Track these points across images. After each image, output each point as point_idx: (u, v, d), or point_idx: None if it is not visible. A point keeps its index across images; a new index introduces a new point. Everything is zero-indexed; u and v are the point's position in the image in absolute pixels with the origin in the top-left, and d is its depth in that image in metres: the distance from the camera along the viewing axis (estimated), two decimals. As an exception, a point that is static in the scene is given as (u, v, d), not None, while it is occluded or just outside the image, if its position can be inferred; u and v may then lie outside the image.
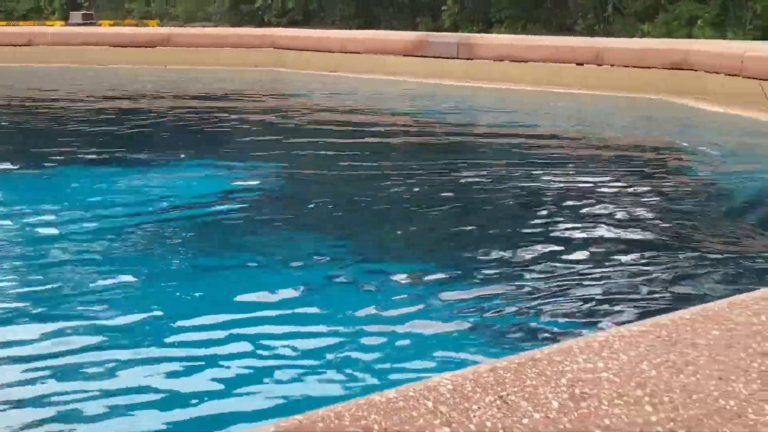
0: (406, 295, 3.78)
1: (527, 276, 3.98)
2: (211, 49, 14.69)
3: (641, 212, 5.25)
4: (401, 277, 4.00)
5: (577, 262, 4.18)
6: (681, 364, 1.79)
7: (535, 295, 3.71)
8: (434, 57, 12.85)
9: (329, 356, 3.08)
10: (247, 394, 2.79)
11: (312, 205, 5.66)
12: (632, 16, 21.19)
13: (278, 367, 3.02)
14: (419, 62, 12.92)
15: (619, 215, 5.14)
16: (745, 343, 1.89)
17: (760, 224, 5.14)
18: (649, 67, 10.92)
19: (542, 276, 3.97)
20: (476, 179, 6.29)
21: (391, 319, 3.46)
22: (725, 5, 19.48)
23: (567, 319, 3.40)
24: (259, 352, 3.16)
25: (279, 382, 2.88)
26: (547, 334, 3.22)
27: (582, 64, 11.54)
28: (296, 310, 3.61)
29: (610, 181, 6.21)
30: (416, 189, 6.01)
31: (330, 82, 12.92)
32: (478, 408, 1.56)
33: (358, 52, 13.71)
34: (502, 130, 9.01)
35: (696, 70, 10.48)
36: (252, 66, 14.33)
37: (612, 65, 11.30)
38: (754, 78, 9.49)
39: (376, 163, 6.93)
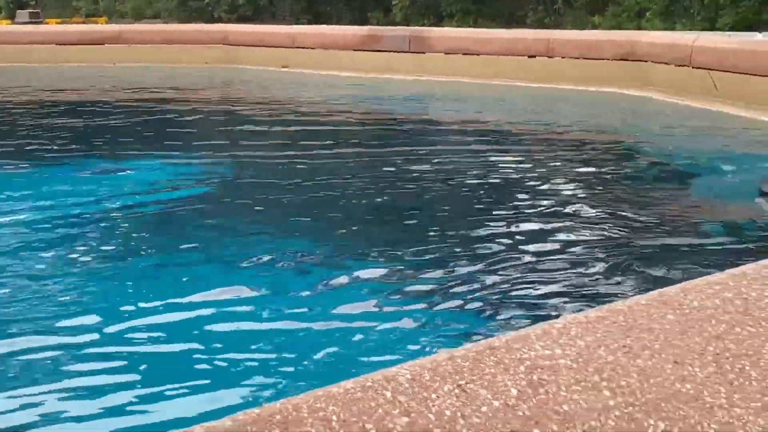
0: (361, 287, 3.77)
1: (484, 265, 3.98)
2: (161, 46, 14.57)
3: (593, 201, 5.29)
4: (355, 269, 3.99)
5: (533, 250, 4.19)
6: (638, 349, 1.80)
7: (492, 284, 3.72)
8: (386, 51, 12.85)
9: (286, 349, 3.05)
10: (203, 389, 2.76)
11: (264, 199, 5.62)
12: (582, 9, 21.36)
13: (233, 362, 2.99)
14: (371, 56, 12.91)
15: (571, 204, 5.17)
16: (700, 327, 1.91)
17: (709, 210, 5.20)
18: (599, 59, 11.01)
19: (498, 265, 3.97)
20: (429, 172, 6.30)
21: (346, 310, 3.45)
22: (673, -4, 19.70)
23: (524, 307, 3.40)
24: (211, 346, 3.12)
25: (234, 376, 2.86)
26: (504, 322, 3.23)
27: (533, 57, 11.60)
28: (248, 305, 3.57)
29: (561, 171, 6.25)
30: (368, 182, 6.00)
31: (281, 78, 12.86)
32: (437, 397, 1.55)
33: (310, 48, 13.67)
34: (454, 122, 9.03)
35: (645, 61, 10.58)
36: (202, 62, 14.23)
37: (562, 57, 11.38)
38: (702, 68, 9.61)
39: (328, 157, 6.91)
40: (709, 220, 4.98)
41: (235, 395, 2.70)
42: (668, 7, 19.91)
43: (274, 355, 3.01)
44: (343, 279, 3.87)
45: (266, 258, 4.20)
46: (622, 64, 10.83)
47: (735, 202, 5.57)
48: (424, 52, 12.53)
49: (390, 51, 12.84)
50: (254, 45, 14.25)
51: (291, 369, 2.88)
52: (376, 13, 24.85)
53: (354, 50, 13.23)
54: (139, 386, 2.83)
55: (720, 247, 4.44)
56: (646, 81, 10.51)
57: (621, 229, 4.63)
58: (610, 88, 10.58)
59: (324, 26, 16.25)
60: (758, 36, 11.43)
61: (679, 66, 9.97)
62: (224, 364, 2.98)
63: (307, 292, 3.72)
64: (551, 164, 6.57)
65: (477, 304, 3.47)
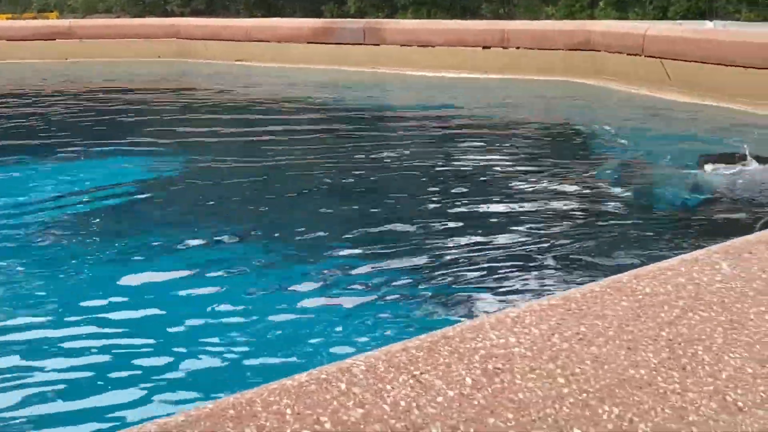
0: (314, 279, 3.76)
1: (437, 255, 3.98)
2: (114, 41, 14.40)
3: (546, 189, 5.31)
4: (310, 260, 3.99)
5: (487, 239, 4.20)
6: (591, 336, 1.81)
7: (446, 274, 3.72)
8: (340, 43, 12.81)
9: (240, 344, 3.03)
10: (155, 385, 2.74)
11: (218, 192, 5.60)
12: (536, -1, 21.47)
13: (186, 357, 2.96)
14: (325, 49, 12.86)
15: (524, 192, 5.20)
16: (653, 312, 1.92)
17: (659, 198, 5.23)
18: (553, 49, 11.06)
19: (452, 254, 3.98)
20: (384, 162, 6.30)
21: (300, 302, 3.44)
22: (625, -14, 19.85)
23: (479, 296, 3.41)
24: (165, 341, 3.10)
25: (188, 371, 2.83)
26: (459, 312, 3.23)
27: (488, 47, 11.62)
28: (202, 299, 3.55)
29: (515, 160, 6.28)
30: (324, 173, 6.00)
31: (236, 71, 12.78)
32: (392, 388, 1.55)
33: (264, 41, 13.59)
34: (409, 113, 9.03)
35: (599, 51, 10.64)
36: (156, 56, 14.09)
37: (517, 48, 11.41)
38: (655, 57, 9.69)
39: (281, 150, 6.88)
40: (657, 207, 5.01)
41: (188, 390, 2.67)
42: (621, -4, 20.07)
43: (228, 350, 2.99)
44: (298, 271, 3.86)
45: (221, 250, 4.19)
46: (576, 54, 10.88)
47: (679, 184, 5.64)
48: (378, 44, 12.51)
49: (345, 43, 12.80)
50: (208, 38, 14.13)
51: (246, 363, 2.86)
52: (330, 5, 24.77)
53: (309, 43, 13.17)
54: (91, 382, 2.80)
55: (668, 231, 4.49)
56: (600, 70, 10.57)
57: (573, 217, 4.66)
58: (564, 77, 10.63)
59: (278, 19, 16.15)
60: (709, 24, 11.55)
61: (631, 55, 10.04)
62: (178, 358, 2.95)
63: (261, 285, 3.70)
64: (504, 153, 6.59)
65: (431, 294, 3.47)
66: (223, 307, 3.45)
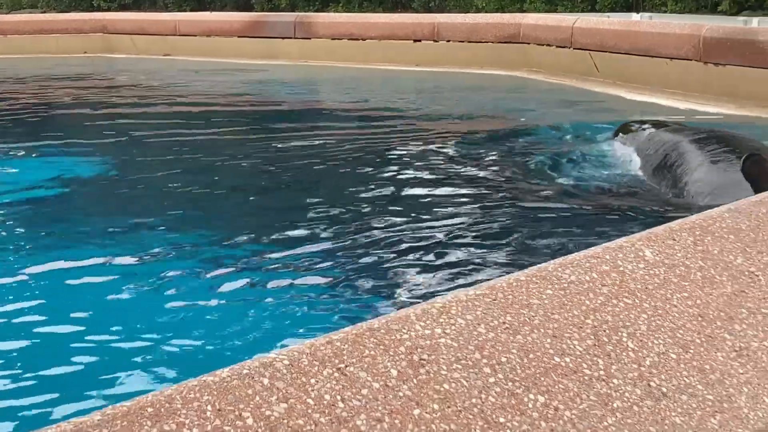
0: (237, 271, 3.74)
1: (364, 247, 3.98)
2: (39, 36, 14.12)
3: (474, 180, 5.33)
4: (235, 255, 3.96)
5: (412, 230, 4.20)
6: (517, 325, 1.81)
7: (371, 266, 3.71)
8: (271, 37, 12.73)
9: (159, 339, 2.99)
10: (73, 384, 2.68)
11: (144, 188, 5.54)
12: (466, -8, 21.57)
13: (107, 355, 2.91)
14: (256, 43, 12.78)
15: (453, 184, 5.21)
16: (578, 300, 1.93)
17: (585, 186, 5.28)
18: (483, 42, 11.11)
19: (378, 246, 3.97)
20: (313, 155, 6.28)
21: (225, 297, 3.40)
22: (554, -21, 20.05)
23: (406, 287, 3.41)
24: (87, 340, 3.04)
25: (108, 369, 2.78)
26: (386, 303, 3.22)
27: (419, 41, 11.63)
28: (126, 294, 3.50)
29: (441, 151, 6.30)
30: (249, 167, 5.96)
31: (163, 66, 12.62)
32: (316, 382, 1.53)
33: (193, 35, 13.45)
34: (338, 106, 9.03)
35: (528, 43, 10.72)
36: (81, 52, 13.86)
37: (448, 41, 11.44)
38: (583, 49, 9.79)
39: (208, 144, 6.83)
40: (583, 196, 5.06)
41: (105, 388, 2.63)
42: (549, -11, 20.26)
43: (147, 346, 2.94)
44: (221, 264, 3.83)
45: (146, 246, 4.14)
46: (506, 46, 10.95)
47: (602, 171, 5.73)
48: (309, 38, 12.45)
49: (275, 37, 12.72)
50: (135, 33, 13.94)
51: (165, 359, 2.82)
52: (260, -1, 24.65)
53: (239, 37, 13.07)
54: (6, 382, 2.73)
55: (591, 214, 4.56)
56: (530, 63, 10.65)
57: (500, 207, 4.67)
58: (495, 70, 10.69)
59: (208, 13, 15.99)
60: (635, 16, 11.72)
61: (560, 47, 10.13)
62: (98, 357, 2.90)
63: (183, 280, 3.65)
64: (431, 143, 6.61)
65: (357, 286, 3.46)
66: (141, 303, 3.40)
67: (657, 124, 6.18)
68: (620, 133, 6.30)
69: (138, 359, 2.83)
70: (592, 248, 2.10)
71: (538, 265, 2.03)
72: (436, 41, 11.49)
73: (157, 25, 13.98)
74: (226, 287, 3.53)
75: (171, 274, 3.74)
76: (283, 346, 1.65)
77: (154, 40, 13.68)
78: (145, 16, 15.27)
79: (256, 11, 21.30)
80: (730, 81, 7.94)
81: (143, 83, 11.17)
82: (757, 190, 4.14)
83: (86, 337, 3.07)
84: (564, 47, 10.06)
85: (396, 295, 3.34)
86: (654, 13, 14.02)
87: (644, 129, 6.10)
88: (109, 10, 24.72)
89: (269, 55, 12.50)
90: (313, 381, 1.53)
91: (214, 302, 3.35)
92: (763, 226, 2.38)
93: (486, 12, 19.03)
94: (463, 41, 11.29)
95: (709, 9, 17.39)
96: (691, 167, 5.03)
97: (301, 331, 2.99)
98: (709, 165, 4.95)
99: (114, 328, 3.16)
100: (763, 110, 7.43)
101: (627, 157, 5.77)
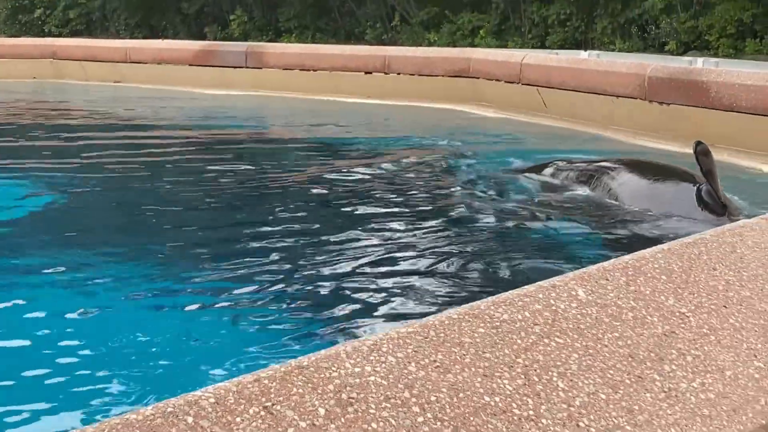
0: (167, 302, 3.71)
1: (297, 282, 3.95)
2: (-14, 61, 13.97)
3: (413, 215, 5.33)
4: (166, 284, 3.94)
5: (351, 265, 4.18)
6: (448, 364, 1.81)
7: (308, 301, 3.69)
8: (222, 66, 12.71)
9: (83, 375, 2.93)
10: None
11: (88, 217, 5.49)
12: (419, 26, 21.74)
13: (28, 385, 2.85)
14: (206, 72, 12.74)
15: (391, 218, 5.21)
16: (509, 339, 1.93)
17: (525, 225, 5.30)
18: (433, 75, 11.18)
19: (312, 282, 3.94)
20: (259, 185, 6.27)
21: (149, 328, 3.37)
22: (506, 15, 20.28)
23: (338, 323, 3.38)
24: (15, 372, 2.98)
25: (37, 402, 2.72)
26: (318, 340, 3.19)
27: (369, 73, 11.68)
28: (62, 324, 3.45)
29: (386, 186, 6.30)
30: (195, 198, 5.92)
31: (113, 93, 12.54)
32: (242, 421, 1.52)
33: (144, 62, 13.38)
34: (287, 136, 9.02)
35: (478, 78, 10.81)
36: (30, 77, 13.72)
37: (399, 73, 11.50)
38: (531, 85, 9.90)
39: (154, 171, 6.77)
40: (521, 234, 5.08)
41: (27, 424, 2.57)
42: (500, 25, 20.51)
43: (69, 380, 2.88)
44: (158, 295, 3.80)
45: (84, 275, 4.09)
46: (456, 80, 11.03)
47: (542, 201, 5.82)
48: (261, 68, 12.45)
49: (227, 66, 12.70)
50: (85, 59, 13.83)
51: (88, 395, 2.76)
52: (213, 27, 24.61)
53: (190, 65, 13.03)
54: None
55: (520, 249, 4.61)
56: (480, 97, 10.73)
57: (438, 243, 4.66)
58: (444, 104, 10.74)
59: (159, 41, 15.96)
60: (583, 54, 11.89)
61: (509, 83, 10.23)
62: (20, 387, 2.84)
63: (112, 315, 3.61)
64: (375, 176, 6.63)
65: (293, 322, 3.43)
66: (76, 334, 3.35)
67: (570, 161, 6.56)
68: (544, 168, 6.57)
69: (57, 394, 2.78)
70: (525, 287, 2.12)
71: (471, 303, 2.03)
72: (387, 74, 11.54)
73: (107, 51, 13.90)
74: (151, 319, 3.49)
75: (107, 303, 3.70)
76: (219, 379, 1.64)
77: (105, 67, 13.59)
78: (95, 43, 15.17)
79: (209, 40, 21.33)
80: (673, 120, 8.07)
81: (91, 109, 11.08)
82: (708, 173, 4.76)
83: (12, 370, 3.01)
84: (513, 83, 10.15)
85: (331, 331, 3.31)
86: (602, 52, 14.25)
87: (564, 163, 6.49)
88: (60, 35, 24.60)
89: (221, 84, 12.48)
90: (238, 420, 1.52)
91: (140, 334, 3.30)
92: (694, 267, 2.41)
93: (438, 46, 19.24)
94: (413, 74, 11.35)
95: (657, 48, 17.75)
96: (617, 180, 5.71)
97: (235, 364, 2.95)
98: (631, 176, 5.72)
99: (46, 360, 3.10)
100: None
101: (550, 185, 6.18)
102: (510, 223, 5.24)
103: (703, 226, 4.37)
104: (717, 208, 4.79)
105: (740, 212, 4.91)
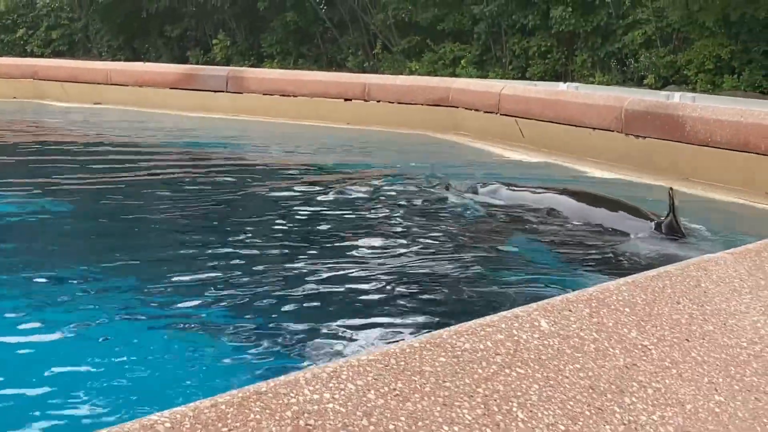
0: (125, 322, 3.71)
1: (258, 308, 3.94)
2: (-35, 80, 13.95)
3: (382, 241, 5.32)
4: (132, 307, 3.93)
5: (312, 292, 4.17)
6: (408, 392, 1.81)
7: (264, 326, 3.67)
8: (203, 90, 12.73)
9: (35, 395, 2.91)
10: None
11: (66, 237, 5.47)
12: (400, 54, 21.85)
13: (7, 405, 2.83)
14: (187, 95, 12.76)
15: (360, 245, 5.20)
16: (470, 369, 1.94)
17: (495, 255, 5.31)
18: (413, 104, 11.23)
19: (273, 307, 3.93)
20: (237, 208, 6.27)
21: (105, 348, 3.36)
22: (487, 46, 20.41)
23: (299, 350, 3.37)
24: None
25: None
26: (277, 366, 3.18)
27: (350, 100, 11.72)
28: (30, 343, 3.43)
29: (358, 213, 6.32)
30: (170, 217, 5.91)
31: (93, 115, 12.52)
32: (197, 446, 1.51)
33: (125, 85, 13.39)
34: (265, 161, 9.02)
35: (457, 107, 10.86)
36: (10, 97, 13.70)
37: (378, 101, 11.55)
38: (509, 115, 9.95)
39: (130, 193, 6.77)
40: (490, 264, 5.07)
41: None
42: (482, 56, 20.63)
43: (22, 401, 2.86)
44: (116, 316, 3.79)
45: (53, 292, 4.08)
46: (435, 109, 11.08)
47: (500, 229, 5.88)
48: (241, 92, 12.48)
49: (207, 90, 12.73)
50: (66, 80, 13.83)
51: (39, 415, 2.74)
52: (195, 51, 24.65)
53: (171, 88, 13.04)
54: None
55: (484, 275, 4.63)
56: (458, 126, 10.78)
57: (403, 270, 4.65)
58: (423, 132, 10.79)
59: (140, 63, 15.96)
60: (562, 86, 11.97)
61: (487, 113, 10.28)
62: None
63: (72, 332, 3.59)
64: (349, 201, 6.64)
65: (254, 347, 3.41)
66: (35, 350, 3.34)
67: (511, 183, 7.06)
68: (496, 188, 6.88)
69: (8, 415, 2.75)
70: (488, 316, 2.12)
71: (433, 332, 2.04)
72: (367, 101, 11.59)
73: (88, 73, 13.90)
74: (119, 338, 3.48)
75: (74, 321, 3.68)
76: (176, 403, 1.62)
77: (85, 88, 13.59)
78: (76, 64, 15.17)
79: (191, 64, 21.35)
80: (649, 153, 8.12)
81: (70, 130, 11.06)
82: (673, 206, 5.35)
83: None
84: (491, 113, 10.21)
85: (291, 357, 3.30)
86: (581, 84, 14.35)
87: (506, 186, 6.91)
88: (42, 56, 24.58)
89: (201, 108, 12.50)
90: (194, 445, 1.51)
91: (99, 357, 3.28)
92: (658, 300, 2.43)
93: (419, 74, 19.33)
94: (393, 102, 11.41)
95: (636, 82, 17.90)
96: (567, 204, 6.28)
97: (193, 387, 2.93)
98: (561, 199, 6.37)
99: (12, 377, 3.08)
100: (681, 183, 7.61)
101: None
102: (465, 246, 5.27)
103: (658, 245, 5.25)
104: (679, 231, 5.39)
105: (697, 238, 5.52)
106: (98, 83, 13.59)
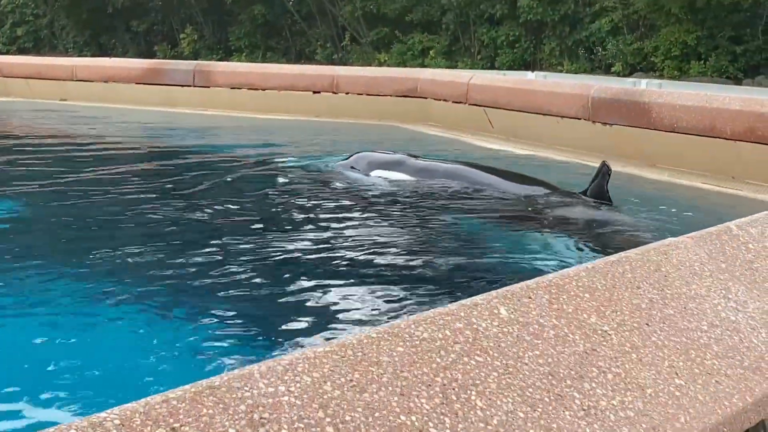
0: (80, 317, 3.68)
1: (213, 300, 3.92)
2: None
3: (346, 233, 5.31)
4: (95, 299, 3.90)
5: (267, 285, 4.14)
6: (365, 383, 1.79)
7: (219, 319, 3.65)
8: (169, 85, 12.63)
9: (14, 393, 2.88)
10: None
11: (35, 235, 5.42)
12: (369, 46, 21.84)
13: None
14: (153, 90, 12.66)
15: (329, 233, 5.19)
16: (429, 358, 1.92)
17: (458, 244, 5.30)
18: (382, 95, 11.22)
19: (228, 300, 3.91)
20: (199, 204, 6.22)
21: (58, 345, 3.33)
22: (456, 36, 20.44)
23: (254, 343, 3.35)
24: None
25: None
26: (231, 359, 3.15)
27: (318, 92, 11.68)
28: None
29: (321, 202, 6.32)
30: (139, 215, 5.86)
31: (58, 111, 12.39)
32: (147, 442, 1.49)
33: (91, 80, 13.27)
34: (228, 154, 8.96)
35: (425, 98, 10.86)
36: (-25, 94, 13.56)
37: (347, 93, 11.51)
38: (478, 105, 9.95)
39: (97, 191, 6.69)
40: (449, 253, 5.07)
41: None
42: (450, 46, 20.66)
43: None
44: (77, 311, 3.76)
45: (34, 287, 4.04)
46: (405, 100, 11.07)
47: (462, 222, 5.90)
48: (208, 86, 12.40)
49: (174, 85, 12.63)
50: (30, 77, 13.68)
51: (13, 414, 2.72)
52: (162, 46, 24.52)
53: (137, 83, 12.93)
54: None
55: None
56: (427, 117, 10.78)
57: (361, 263, 4.63)
58: (393, 123, 10.78)
59: (105, 59, 15.83)
60: (530, 75, 12.00)
61: (456, 103, 10.28)
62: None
63: (56, 324, 3.57)
64: (313, 194, 6.64)
65: (208, 341, 3.39)
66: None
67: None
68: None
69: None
70: (447, 305, 2.11)
71: (391, 322, 2.02)
72: (336, 93, 11.55)
73: (53, 69, 13.75)
74: (71, 334, 3.46)
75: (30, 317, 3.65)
76: (126, 400, 1.60)
77: (50, 85, 13.45)
78: (41, 60, 15.04)
79: (159, 58, 21.21)
80: (616, 140, 8.15)
81: (34, 127, 10.95)
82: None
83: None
84: (460, 102, 10.21)
85: (243, 350, 3.27)
86: (549, 73, 14.41)
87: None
88: (8, 53, 24.35)
89: (168, 103, 12.40)
90: (144, 441, 1.49)
91: (49, 354, 3.25)
92: (618, 285, 2.42)
93: (389, 66, 19.32)
94: (362, 94, 11.38)
95: (603, 70, 17.99)
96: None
97: (144, 384, 2.91)
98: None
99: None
100: (646, 169, 7.65)
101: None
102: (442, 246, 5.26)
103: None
104: (606, 197, 5.93)
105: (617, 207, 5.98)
106: (63, 80, 13.45)
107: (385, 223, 5.56)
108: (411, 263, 4.58)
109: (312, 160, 8.27)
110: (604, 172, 5.90)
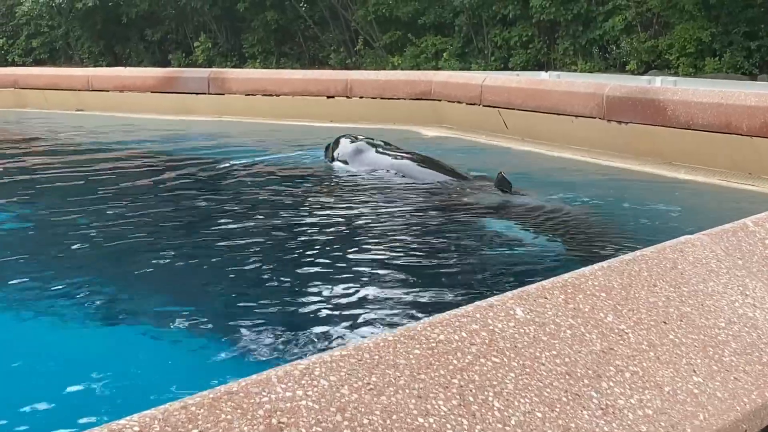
0: (100, 325, 3.70)
1: (228, 306, 3.93)
2: (-53, 91, 13.90)
3: (359, 239, 5.32)
4: (104, 308, 3.92)
5: (282, 289, 4.16)
6: (382, 386, 1.80)
7: (235, 325, 3.66)
8: (184, 93, 12.68)
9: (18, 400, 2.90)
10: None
11: (52, 244, 5.45)
12: (382, 49, 21.84)
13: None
14: (169, 98, 12.71)
15: (324, 236, 5.21)
16: (445, 360, 1.93)
17: (469, 243, 5.30)
18: (396, 98, 11.22)
19: (243, 305, 3.92)
20: (216, 210, 6.24)
21: (84, 356, 3.34)
22: (469, 38, 20.42)
23: (271, 348, 3.35)
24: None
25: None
26: (249, 364, 3.16)
27: (332, 97, 11.70)
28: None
29: (312, 206, 6.35)
30: (161, 223, 5.89)
31: (75, 121, 12.46)
32: (167, 449, 1.50)
33: (106, 90, 13.34)
34: (244, 160, 8.99)
35: (440, 100, 10.85)
36: (-9, 107, 13.66)
37: (361, 97, 11.53)
38: (492, 106, 9.94)
39: (114, 198, 6.74)
40: (463, 254, 5.07)
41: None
42: (463, 48, 20.63)
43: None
44: (88, 318, 3.78)
45: (34, 299, 4.06)
46: (418, 103, 11.07)
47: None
48: (223, 94, 12.44)
49: (189, 92, 12.68)
50: (47, 88, 13.77)
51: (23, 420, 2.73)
52: (177, 54, 24.61)
53: (152, 92, 12.99)
54: None
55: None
56: (442, 120, 10.78)
57: (372, 265, 4.64)
58: (407, 126, 10.78)
59: (121, 68, 15.92)
60: (544, 75, 11.97)
61: (470, 105, 10.28)
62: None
63: (60, 333, 3.59)
64: (307, 198, 6.70)
65: (224, 346, 3.40)
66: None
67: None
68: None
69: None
70: (463, 307, 2.11)
71: (407, 325, 2.03)
72: (349, 98, 11.57)
73: (69, 80, 13.83)
74: (88, 341, 3.48)
75: (39, 323, 3.68)
76: (145, 407, 1.61)
77: (66, 96, 13.52)
78: (57, 71, 15.12)
79: (173, 67, 21.30)
80: (631, 138, 8.13)
81: (52, 138, 11.02)
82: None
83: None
84: (474, 104, 10.20)
85: (260, 355, 3.28)
86: (563, 72, 14.37)
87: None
88: (24, 65, 24.51)
89: (183, 111, 12.45)
90: (163, 448, 1.50)
91: (69, 361, 3.27)
92: (634, 283, 2.42)
93: (402, 69, 19.32)
94: (375, 98, 11.39)
95: (618, 68, 17.93)
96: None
97: (162, 390, 2.92)
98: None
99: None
100: (663, 167, 7.62)
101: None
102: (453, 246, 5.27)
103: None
104: (506, 185, 6.62)
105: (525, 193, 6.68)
106: (79, 90, 13.52)
107: (386, 217, 5.62)
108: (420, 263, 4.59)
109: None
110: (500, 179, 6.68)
